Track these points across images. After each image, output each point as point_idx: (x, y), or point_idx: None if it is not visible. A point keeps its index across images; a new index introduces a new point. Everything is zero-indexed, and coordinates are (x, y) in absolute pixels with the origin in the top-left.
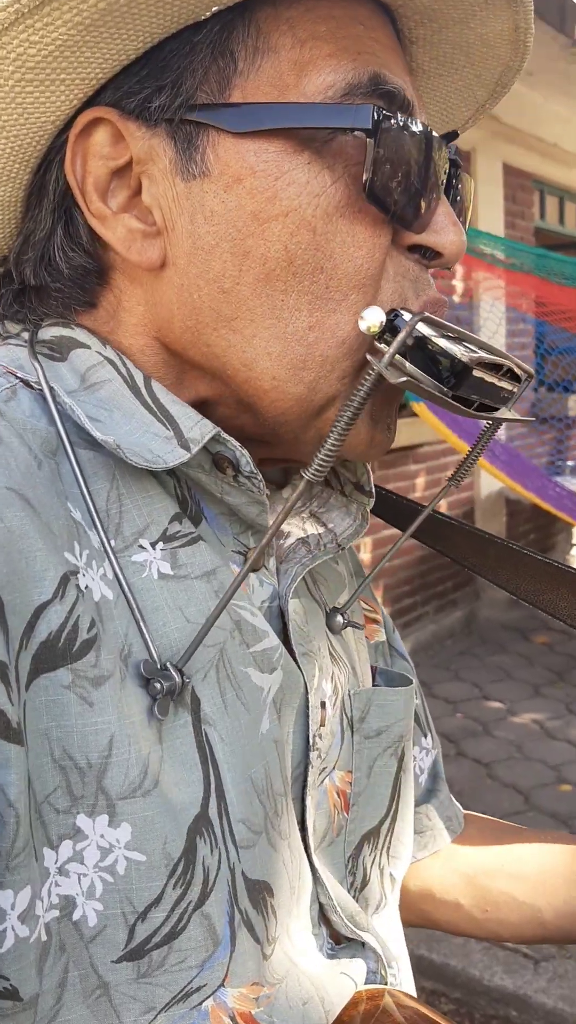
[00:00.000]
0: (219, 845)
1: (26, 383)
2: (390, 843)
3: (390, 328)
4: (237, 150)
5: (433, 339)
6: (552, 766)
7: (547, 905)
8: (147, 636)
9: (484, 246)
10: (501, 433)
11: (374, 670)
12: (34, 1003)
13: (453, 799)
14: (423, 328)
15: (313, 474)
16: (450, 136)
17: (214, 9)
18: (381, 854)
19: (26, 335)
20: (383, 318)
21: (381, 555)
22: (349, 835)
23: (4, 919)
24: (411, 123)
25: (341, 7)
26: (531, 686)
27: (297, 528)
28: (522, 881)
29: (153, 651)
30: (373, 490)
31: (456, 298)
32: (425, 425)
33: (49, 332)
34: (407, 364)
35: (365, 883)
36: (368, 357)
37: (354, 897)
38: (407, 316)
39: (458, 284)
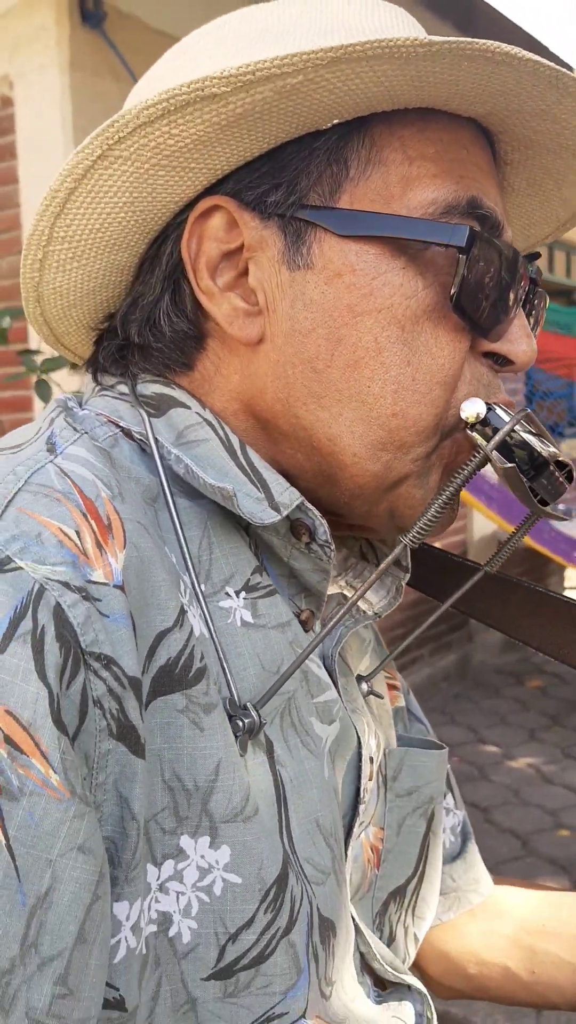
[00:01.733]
0: (302, 882)
1: (126, 433)
2: (416, 903)
3: (484, 420)
4: (340, 249)
5: (522, 434)
6: (550, 811)
7: None
8: (230, 676)
9: None
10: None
11: (411, 741)
12: (134, 1015)
13: (481, 864)
14: (525, 427)
15: (412, 540)
16: (532, 256)
17: (334, 121)
18: (406, 913)
19: (123, 388)
20: (483, 409)
21: (400, 619)
22: (378, 891)
23: (120, 930)
24: (501, 245)
25: (449, 131)
26: (526, 730)
27: (338, 596)
28: (567, 941)
29: (235, 690)
30: (409, 565)
31: None
32: None
33: (149, 388)
34: (499, 455)
35: (392, 940)
36: (477, 441)
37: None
38: (500, 411)
39: None
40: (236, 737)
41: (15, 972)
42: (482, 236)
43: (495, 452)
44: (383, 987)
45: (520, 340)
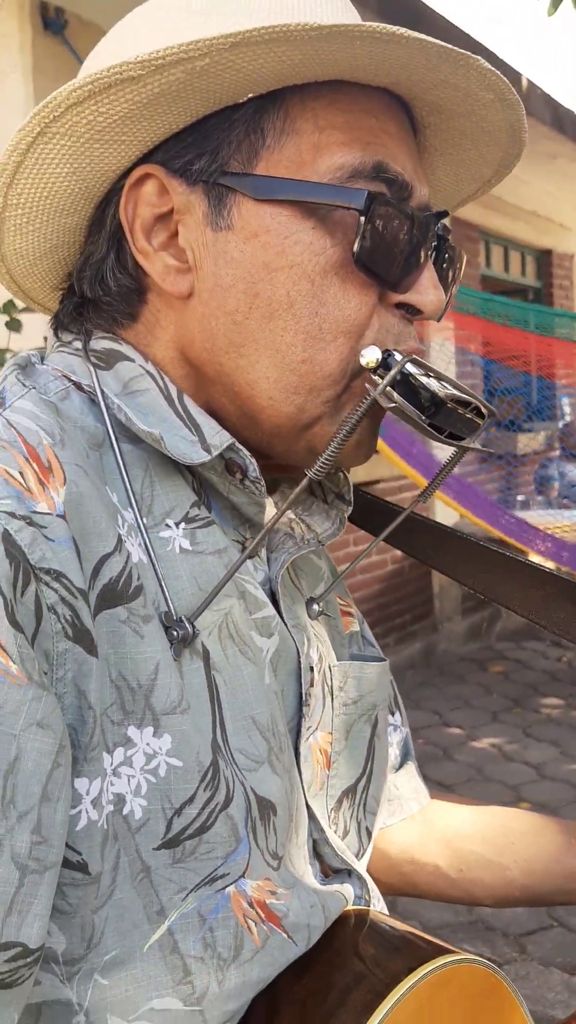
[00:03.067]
0: (231, 765)
1: (77, 386)
2: (366, 800)
3: (383, 364)
4: (257, 211)
5: (417, 376)
6: (511, 786)
7: (513, 863)
8: (167, 595)
9: None
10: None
11: (357, 656)
12: (97, 880)
13: (419, 776)
14: (411, 367)
15: (315, 472)
16: (440, 215)
17: (249, 95)
18: (358, 809)
19: (78, 344)
20: (379, 355)
21: (379, 589)
22: (331, 789)
23: (81, 802)
24: (402, 206)
25: (358, 102)
26: (489, 712)
27: (285, 526)
28: (491, 844)
29: (172, 606)
30: (352, 499)
31: None
32: (383, 461)
33: (100, 344)
34: (395, 394)
35: (346, 833)
36: (367, 386)
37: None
38: (398, 356)
39: None
40: (171, 644)
41: None
42: (380, 198)
43: (384, 394)
44: (327, 875)
45: (427, 291)
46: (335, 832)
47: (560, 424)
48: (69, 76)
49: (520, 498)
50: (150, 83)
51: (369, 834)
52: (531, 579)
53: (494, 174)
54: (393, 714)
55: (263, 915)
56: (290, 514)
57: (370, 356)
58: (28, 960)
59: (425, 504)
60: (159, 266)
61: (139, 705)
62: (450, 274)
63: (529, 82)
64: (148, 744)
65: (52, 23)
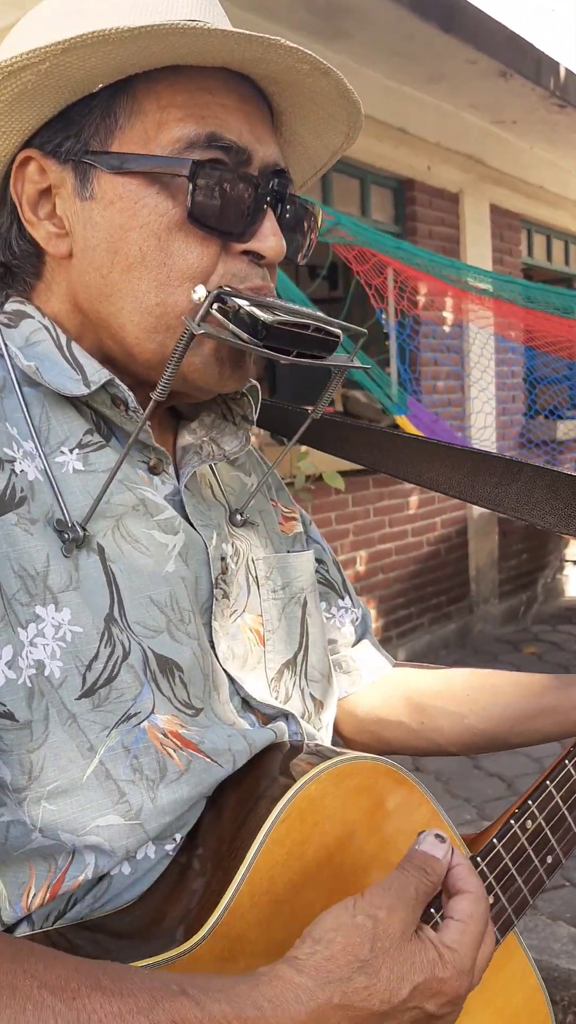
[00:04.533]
0: (125, 631)
1: None
2: (306, 670)
3: (222, 300)
4: (112, 182)
5: (244, 307)
6: (535, 758)
7: (471, 712)
8: (63, 505)
9: (473, 279)
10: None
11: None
12: (28, 726)
13: (381, 652)
14: (237, 300)
15: (158, 395)
16: (276, 172)
17: (100, 85)
18: (300, 678)
19: None
20: (204, 294)
21: (376, 567)
22: (269, 663)
23: None
24: (237, 166)
25: (196, 81)
26: None
27: (195, 447)
28: (451, 697)
29: (66, 513)
30: (254, 419)
31: (446, 328)
32: None
33: (10, 307)
34: (208, 326)
35: (287, 698)
36: (183, 319)
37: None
38: (223, 288)
39: (448, 315)
40: (63, 543)
41: None
42: (207, 165)
43: (201, 325)
44: (265, 722)
45: (267, 238)
46: (275, 697)
47: None
48: None
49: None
50: (9, 85)
51: (314, 699)
52: (453, 461)
53: (349, 129)
54: (343, 598)
55: (179, 743)
56: (203, 436)
57: (200, 292)
58: None
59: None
60: (43, 233)
61: (39, 588)
62: (300, 223)
63: (568, 71)
64: (53, 618)
65: None
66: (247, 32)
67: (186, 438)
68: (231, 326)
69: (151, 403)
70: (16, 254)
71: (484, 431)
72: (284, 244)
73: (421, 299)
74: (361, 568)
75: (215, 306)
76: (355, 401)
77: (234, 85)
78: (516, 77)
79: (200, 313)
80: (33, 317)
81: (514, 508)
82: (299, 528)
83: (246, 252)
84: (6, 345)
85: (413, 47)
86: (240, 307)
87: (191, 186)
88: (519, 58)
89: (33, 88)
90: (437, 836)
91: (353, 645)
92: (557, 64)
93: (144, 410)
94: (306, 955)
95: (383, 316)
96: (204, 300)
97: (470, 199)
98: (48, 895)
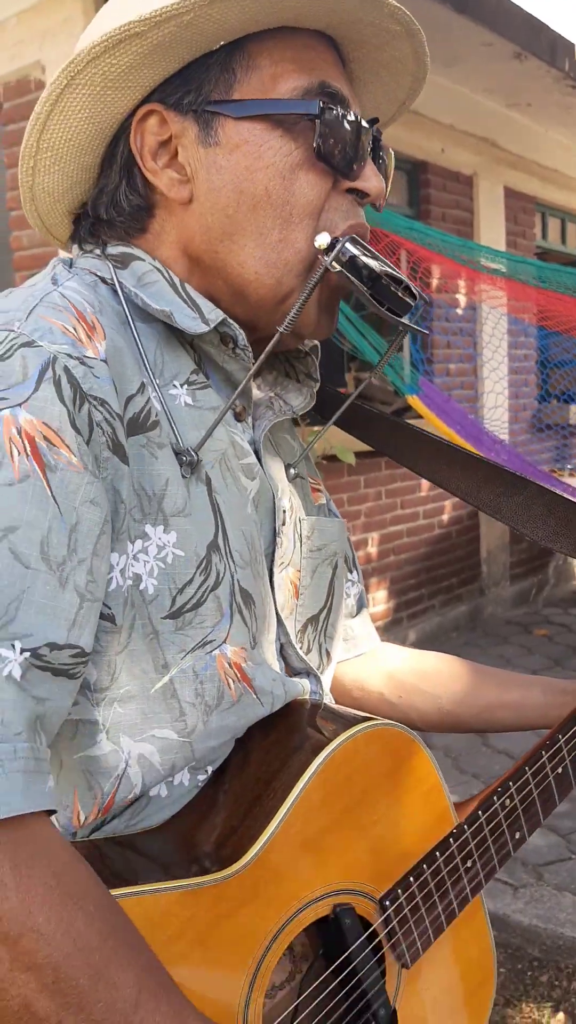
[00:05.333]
0: (224, 559)
1: (102, 280)
2: (327, 627)
3: (331, 247)
4: (236, 128)
5: (359, 256)
6: (540, 734)
7: (444, 695)
8: (178, 432)
9: (486, 259)
10: (504, 435)
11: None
12: (119, 630)
13: (371, 624)
14: (350, 247)
15: (285, 327)
16: (372, 121)
17: (221, 42)
18: (320, 633)
19: (98, 251)
20: (329, 239)
21: (388, 548)
22: (299, 616)
23: (113, 571)
24: (346, 111)
25: (301, 39)
26: (529, 671)
27: (266, 402)
28: (427, 680)
29: (181, 441)
30: (319, 377)
31: (459, 309)
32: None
33: (116, 249)
34: (339, 266)
35: (309, 650)
36: (320, 257)
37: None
38: (344, 239)
39: (461, 296)
40: (180, 466)
41: (67, 563)
42: (328, 106)
43: (335, 266)
44: (290, 674)
45: (371, 177)
46: (301, 648)
47: None
48: None
49: (570, 466)
50: (150, 37)
51: (328, 655)
52: (465, 465)
53: (406, 94)
54: (351, 572)
55: (238, 675)
56: (268, 392)
57: (321, 240)
58: (83, 660)
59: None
60: (165, 180)
61: (153, 508)
62: (386, 170)
63: None
64: (159, 538)
65: None
66: None
67: (255, 392)
68: (344, 271)
69: (276, 336)
70: (124, 210)
71: (496, 411)
72: (384, 184)
73: (434, 280)
74: (373, 550)
75: (337, 252)
76: (369, 384)
77: (328, 46)
78: (531, 59)
79: (334, 253)
80: (143, 259)
81: (511, 517)
82: (322, 500)
83: (350, 191)
84: (120, 284)
85: (428, 30)
86: (355, 255)
87: (319, 124)
88: (534, 40)
89: (169, 41)
90: None
91: (353, 616)
92: (572, 45)
93: (250, 348)
94: None
95: None
96: (327, 249)
97: (484, 182)
98: (100, 812)
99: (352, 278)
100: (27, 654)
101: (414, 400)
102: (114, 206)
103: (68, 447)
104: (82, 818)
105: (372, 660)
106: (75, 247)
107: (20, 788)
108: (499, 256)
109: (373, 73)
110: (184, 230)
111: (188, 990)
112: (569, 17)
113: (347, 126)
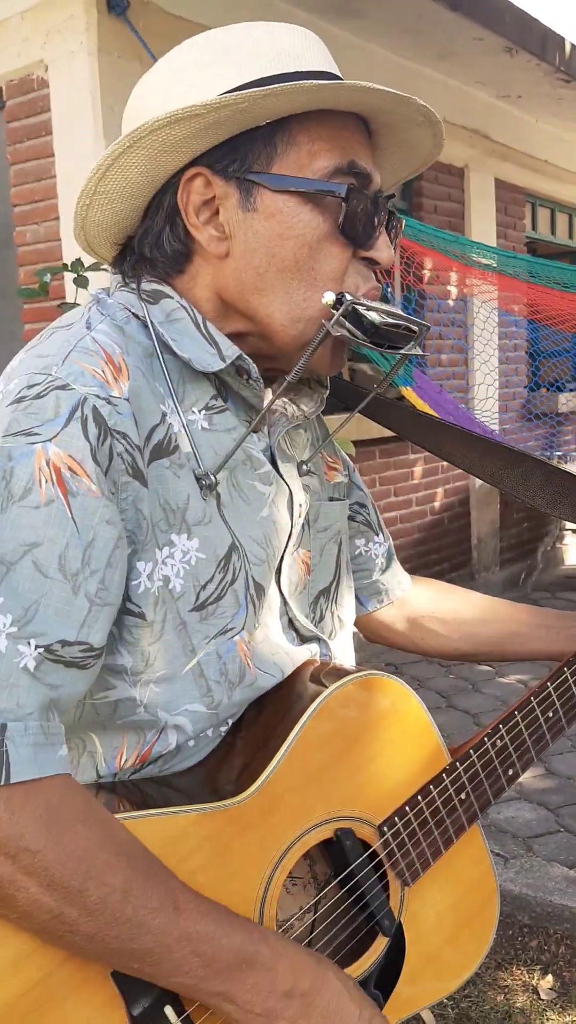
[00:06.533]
0: (242, 559)
1: (135, 315)
2: (337, 597)
3: (339, 303)
4: (273, 199)
5: (362, 311)
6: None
7: (459, 637)
8: (198, 457)
9: (477, 255)
10: (495, 425)
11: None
12: (151, 625)
13: (402, 572)
14: (357, 305)
15: (292, 377)
16: (388, 197)
17: (267, 121)
18: (332, 603)
19: (134, 286)
20: (334, 297)
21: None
22: (311, 590)
23: (139, 576)
24: (368, 191)
25: (337, 120)
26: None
27: (280, 409)
28: (444, 624)
29: (201, 463)
30: (328, 384)
31: (450, 302)
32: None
33: (149, 286)
34: (345, 323)
35: (321, 619)
36: (322, 321)
37: (315, 626)
38: (348, 297)
39: (452, 289)
40: (201, 488)
41: (80, 574)
42: (355, 188)
43: (337, 323)
44: (302, 641)
45: (382, 248)
46: (312, 619)
47: None
48: (132, 54)
49: (559, 453)
50: (207, 118)
51: (341, 620)
52: (469, 442)
53: (421, 164)
54: (378, 535)
55: (253, 654)
56: (284, 400)
57: (328, 298)
58: (92, 654)
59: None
60: (206, 235)
61: (178, 520)
62: (394, 236)
63: (573, 47)
64: (184, 544)
65: (116, 5)
66: (396, 92)
67: (269, 398)
68: (348, 324)
69: (284, 381)
70: (166, 252)
71: (487, 402)
72: (393, 253)
73: (426, 274)
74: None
75: (343, 310)
76: (362, 374)
77: (359, 126)
78: (522, 53)
79: (336, 316)
80: (172, 297)
81: (512, 487)
82: (339, 477)
83: (364, 259)
84: (151, 321)
85: (421, 25)
86: (356, 310)
87: (344, 205)
88: (525, 34)
89: (224, 120)
90: None
91: (383, 571)
92: (562, 39)
93: (262, 380)
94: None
95: (389, 290)
96: (334, 305)
97: (476, 173)
98: (138, 760)
99: (353, 332)
100: (41, 650)
101: (408, 391)
102: (157, 247)
103: (88, 476)
104: (123, 761)
105: (400, 607)
106: (117, 275)
107: (29, 758)
108: (490, 252)
109: (395, 147)
110: (219, 278)
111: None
112: (560, 12)
113: (368, 204)
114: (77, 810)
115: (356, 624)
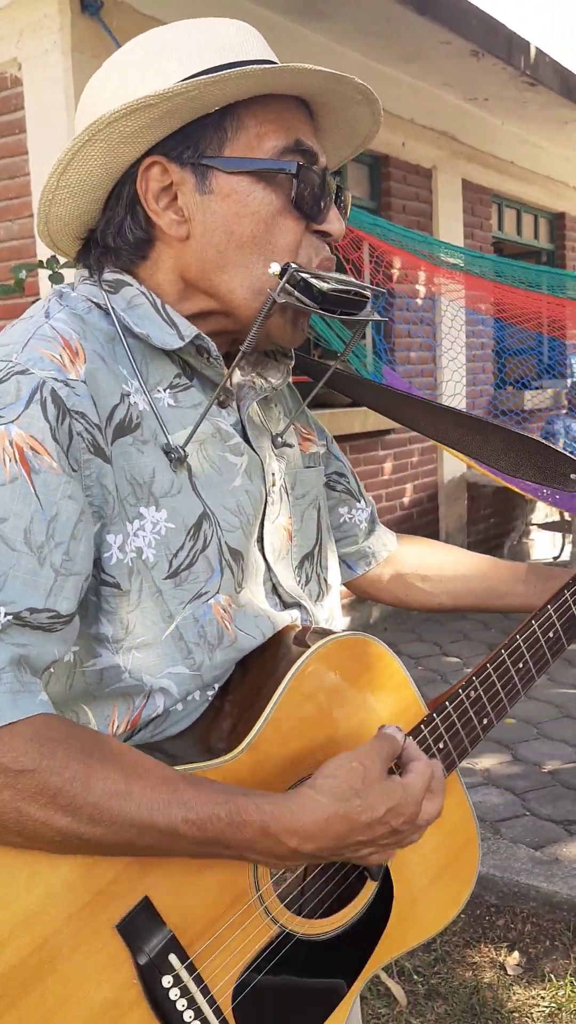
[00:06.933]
0: (213, 526)
1: (96, 305)
2: (321, 560)
3: (282, 272)
4: (227, 180)
5: (308, 279)
6: (491, 645)
7: (442, 592)
8: (165, 430)
9: (444, 254)
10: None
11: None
12: (127, 595)
13: (387, 532)
14: (302, 273)
15: (245, 347)
16: (335, 173)
17: (215, 108)
18: (316, 566)
19: (95, 277)
20: (279, 267)
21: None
22: (295, 555)
23: (111, 549)
24: (315, 167)
25: (281, 103)
26: (486, 644)
27: (248, 383)
28: (428, 580)
29: (169, 438)
30: (293, 355)
31: (419, 300)
32: None
33: (110, 276)
34: (294, 292)
35: (308, 581)
36: (268, 290)
37: (302, 589)
38: (293, 266)
39: (420, 288)
40: (170, 463)
41: (44, 546)
42: (304, 165)
43: (280, 293)
44: (285, 607)
45: (333, 220)
46: (298, 583)
47: (568, 383)
48: (105, 54)
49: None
50: (160, 107)
51: (326, 582)
52: (451, 419)
53: (361, 143)
54: (359, 502)
55: (231, 618)
56: (250, 372)
57: (274, 268)
58: (60, 620)
59: (434, 462)
60: (166, 220)
61: (145, 493)
62: (344, 210)
63: (538, 51)
64: (153, 516)
65: (89, 4)
66: (334, 72)
67: (238, 375)
68: (297, 293)
69: (240, 354)
70: (128, 240)
71: (454, 399)
72: (344, 225)
73: (395, 273)
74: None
75: (287, 278)
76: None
77: (301, 107)
78: (488, 57)
79: (281, 284)
80: (132, 285)
81: (476, 453)
82: (315, 447)
83: (317, 232)
84: (113, 308)
85: (390, 28)
86: (304, 278)
87: (295, 181)
88: (491, 38)
89: (176, 109)
90: (396, 728)
91: (368, 535)
92: (527, 43)
93: (221, 358)
94: (321, 783)
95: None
96: (280, 274)
97: (443, 174)
98: (129, 726)
99: (301, 299)
100: (9, 617)
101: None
102: (120, 236)
103: (49, 454)
104: (116, 728)
105: (387, 565)
106: (83, 270)
107: (8, 703)
108: (457, 251)
109: (336, 126)
110: (181, 260)
111: None
112: (525, 16)
113: (316, 179)
114: (63, 730)
115: (345, 583)
